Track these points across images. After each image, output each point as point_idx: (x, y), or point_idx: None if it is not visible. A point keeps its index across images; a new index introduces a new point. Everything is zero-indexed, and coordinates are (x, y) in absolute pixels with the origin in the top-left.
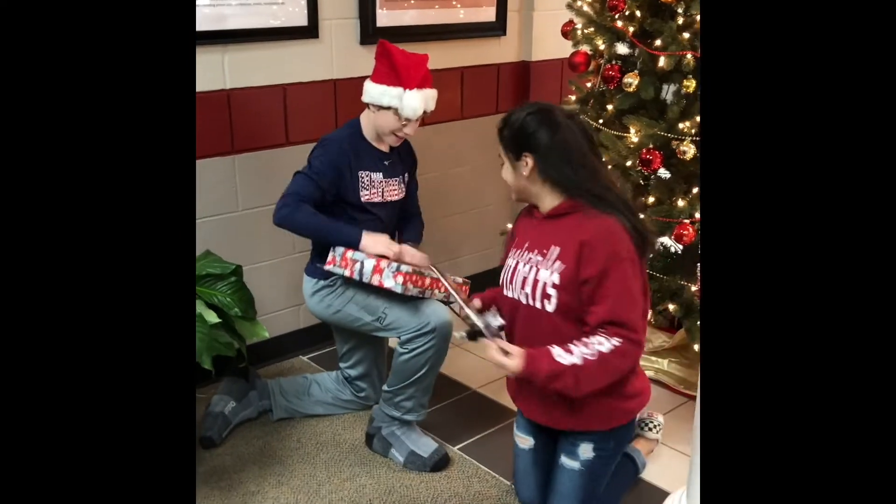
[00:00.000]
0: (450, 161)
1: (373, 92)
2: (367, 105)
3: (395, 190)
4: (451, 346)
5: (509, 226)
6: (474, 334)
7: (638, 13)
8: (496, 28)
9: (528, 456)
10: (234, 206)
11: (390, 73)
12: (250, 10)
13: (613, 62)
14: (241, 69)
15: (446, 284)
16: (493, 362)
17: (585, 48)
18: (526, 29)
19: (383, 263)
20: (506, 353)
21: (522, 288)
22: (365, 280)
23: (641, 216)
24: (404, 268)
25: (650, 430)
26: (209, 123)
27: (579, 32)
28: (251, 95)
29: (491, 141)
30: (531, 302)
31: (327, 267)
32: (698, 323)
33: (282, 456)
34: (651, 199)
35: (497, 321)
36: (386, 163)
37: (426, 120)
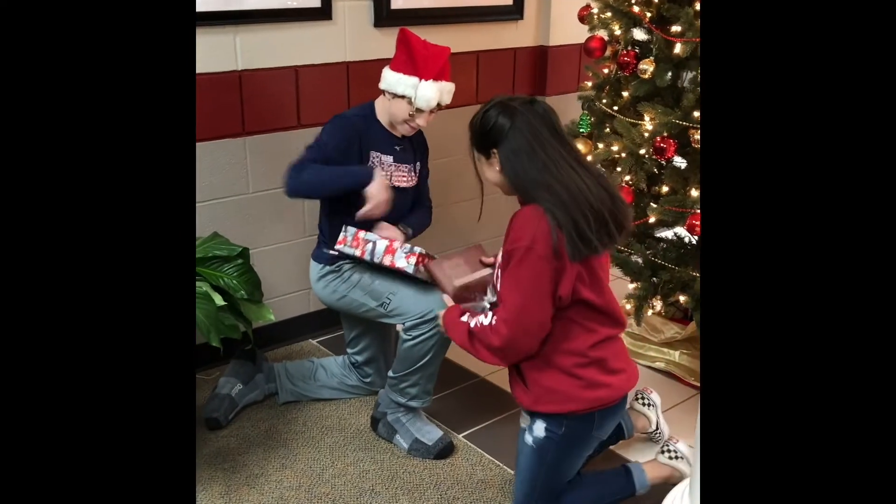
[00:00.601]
0: (463, 146)
1: (389, 79)
2: (383, 91)
3: (404, 176)
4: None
5: None
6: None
7: None
8: (513, 12)
9: (522, 432)
10: (245, 188)
11: (408, 61)
12: None
13: (629, 48)
14: (253, 50)
15: (435, 273)
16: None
17: (602, 33)
18: (544, 13)
19: (396, 244)
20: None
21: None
22: (376, 261)
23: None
24: (417, 249)
25: (642, 403)
26: (220, 105)
27: (596, 17)
28: (263, 77)
29: None
30: (495, 278)
31: (338, 246)
32: None
33: (286, 439)
34: (665, 189)
35: (488, 301)
36: (397, 147)
37: (441, 104)
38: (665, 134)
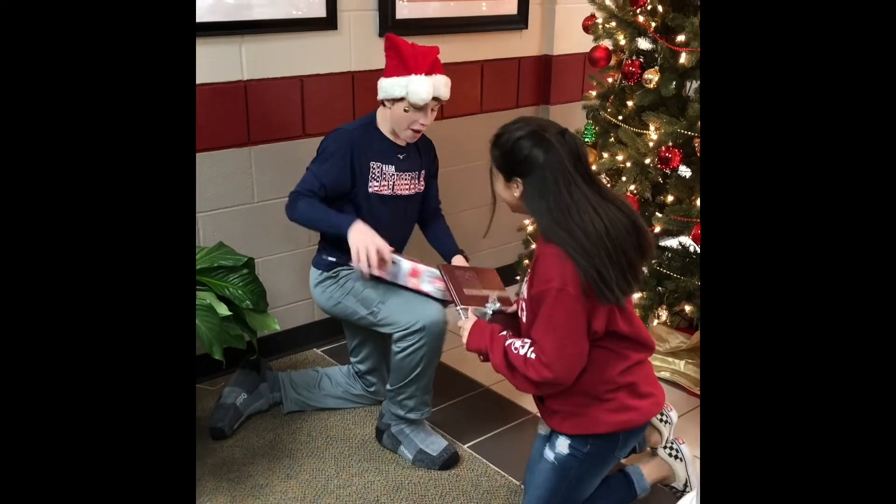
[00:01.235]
0: (469, 155)
1: (384, 86)
2: (382, 103)
3: (406, 184)
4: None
5: (526, 221)
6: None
7: (660, 8)
8: (518, 21)
9: (541, 442)
10: (250, 197)
11: (399, 64)
12: (269, 1)
13: (634, 57)
14: (258, 60)
15: (448, 285)
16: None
17: (606, 43)
18: (548, 22)
19: (421, 267)
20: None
21: (519, 297)
22: (399, 282)
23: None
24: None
25: (660, 420)
26: (226, 114)
27: (601, 27)
28: (268, 87)
29: None
30: (520, 311)
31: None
32: None
33: (291, 449)
34: (670, 198)
35: (492, 307)
36: (400, 156)
37: (445, 114)
38: (670, 143)
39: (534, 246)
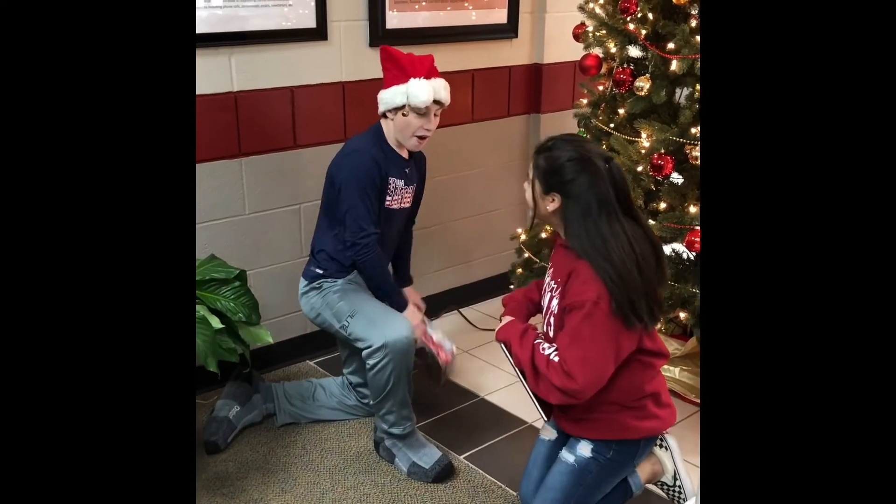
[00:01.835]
0: (460, 164)
1: (384, 98)
2: (384, 116)
3: (409, 197)
4: (463, 352)
5: (519, 230)
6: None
7: (650, 16)
8: (508, 30)
9: (545, 446)
10: (241, 209)
11: (398, 73)
12: (258, 12)
13: (625, 65)
14: (248, 71)
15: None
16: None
17: (597, 51)
18: (538, 31)
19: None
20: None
21: (545, 310)
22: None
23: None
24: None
25: (658, 445)
26: (216, 126)
27: (591, 35)
28: (259, 98)
29: (502, 144)
30: (545, 324)
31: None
32: None
33: (286, 463)
34: (662, 205)
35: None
36: (406, 170)
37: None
38: (662, 151)
39: (527, 254)
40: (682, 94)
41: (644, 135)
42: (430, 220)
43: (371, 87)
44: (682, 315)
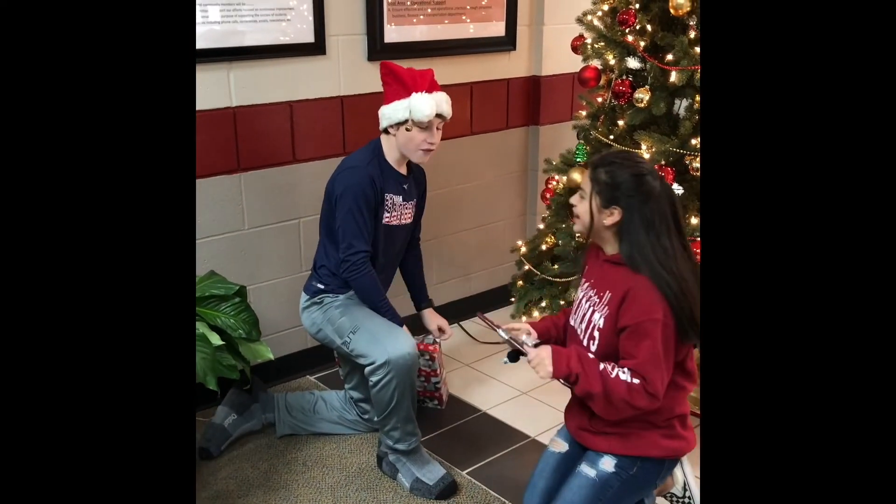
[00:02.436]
0: (459, 177)
1: (386, 113)
2: (385, 132)
3: (409, 213)
4: (464, 365)
5: (520, 242)
6: (514, 355)
7: (649, 27)
8: (506, 43)
9: (554, 458)
10: (241, 224)
11: (399, 88)
12: (256, 27)
13: (624, 77)
14: (247, 86)
15: (488, 322)
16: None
17: (596, 63)
18: (536, 43)
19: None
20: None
21: (581, 323)
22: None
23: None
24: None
25: None
26: (215, 141)
27: (589, 47)
28: (257, 113)
29: (501, 156)
30: (583, 337)
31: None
32: None
33: (287, 480)
34: None
35: (531, 341)
36: (405, 186)
37: None
38: (662, 162)
39: (528, 267)
40: (681, 106)
41: (644, 146)
42: (430, 232)
43: (370, 101)
44: None
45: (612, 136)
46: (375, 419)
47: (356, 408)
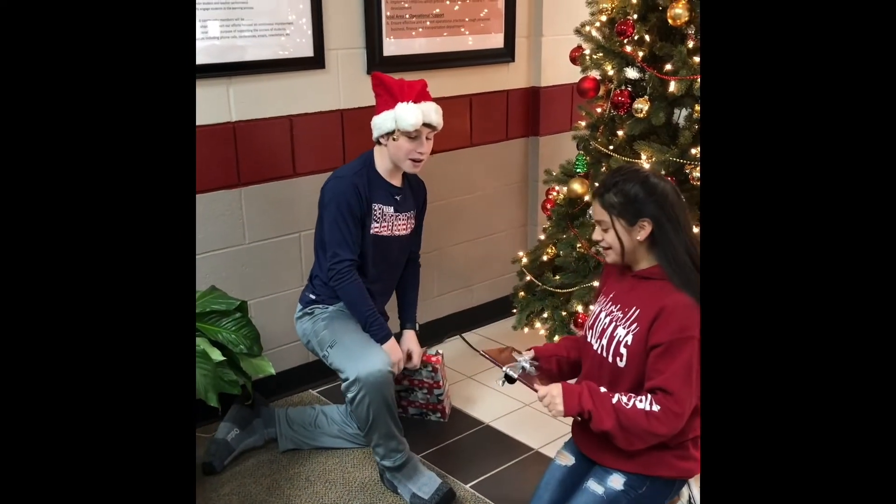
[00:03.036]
0: (460, 189)
1: (377, 123)
2: (377, 142)
3: (403, 225)
4: (467, 378)
5: (521, 253)
6: (511, 378)
7: (647, 38)
8: (505, 54)
9: (560, 471)
10: (241, 238)
11: (387, 98)
12: (255, 42)
13: (623, 87)
14: (246, 101)
15: (479, 352)
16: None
17: (594, 73)
18: (535, 55)
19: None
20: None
21: (600, 338)
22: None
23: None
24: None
25: None
26: (215, 156)
27: (588, 58)
28: (257, 127)
29: (501, 167)
30: (604, 353)
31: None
32: None
33: (290, 495)
34: None
35: (527, 363)
36: (397, 197)
37: (435, 148)
38: (662, 172)
39: (529, 277)
40: (680, 115)
41: (644, 156)
42: (431, 244)
43: (370, 115)
44: None
45: (611, 147)
46: (364, 439)
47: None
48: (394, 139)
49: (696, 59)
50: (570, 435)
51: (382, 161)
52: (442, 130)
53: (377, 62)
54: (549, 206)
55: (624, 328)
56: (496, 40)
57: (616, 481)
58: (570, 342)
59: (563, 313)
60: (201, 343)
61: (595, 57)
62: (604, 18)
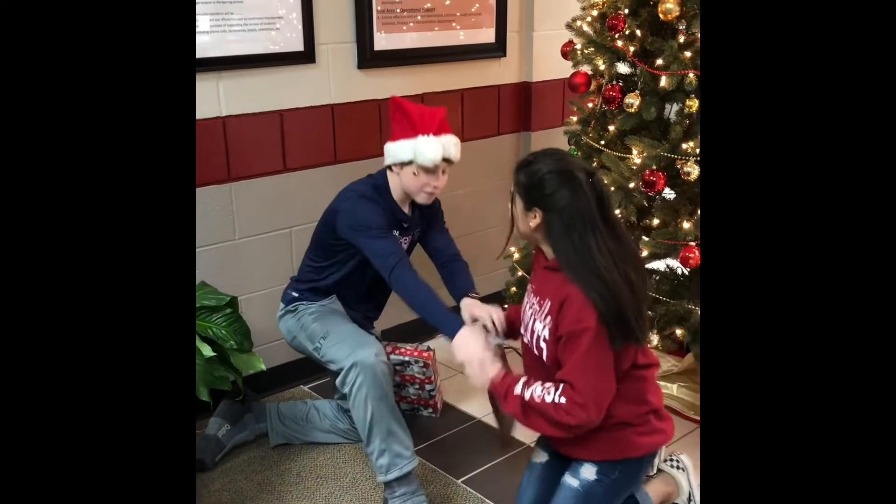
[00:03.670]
0: (451, 184)
1: (392, 151)
2: (390, 168)
3: (404, 245)
4: (458, 373)
5: (512, 249)
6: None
7: (638, 32)
8: (496, 49)
9: (537, 468)
10: (232, 234)
11: (406, 126)
12: (245, 37)
13: (614, 82)
14: (236, 96)
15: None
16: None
17: (586, 68)
18: (526, 50)
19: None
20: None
21: (526, 332)
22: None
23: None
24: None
25: (674, 466)
26: (204, 151)
27: (579, 52)
28: (247, 122)
29: (492, 163)
30: (532, 346)
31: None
32: None
33: (281, 492)
34: (656, 222)
35: (495, 340)
36: (405, 224)
37: None
38: (654, 167)
39: (521, 273)
40: (671, 110)
41: (635, 151)
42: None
43: (360, 109)
44: (679, 331)
45: (602, 142)
46: (365, 450)
47: (348, 416)
48: (413, 173)
49: (687, 53)
50: None
51: (396, 188)
52: None
53: (368, 57)
54: None
55: (541, 322)
56: (487, 35)
57: (588, 471)
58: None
59: None
60: None
61: (586, 52)
62: (595, 13)
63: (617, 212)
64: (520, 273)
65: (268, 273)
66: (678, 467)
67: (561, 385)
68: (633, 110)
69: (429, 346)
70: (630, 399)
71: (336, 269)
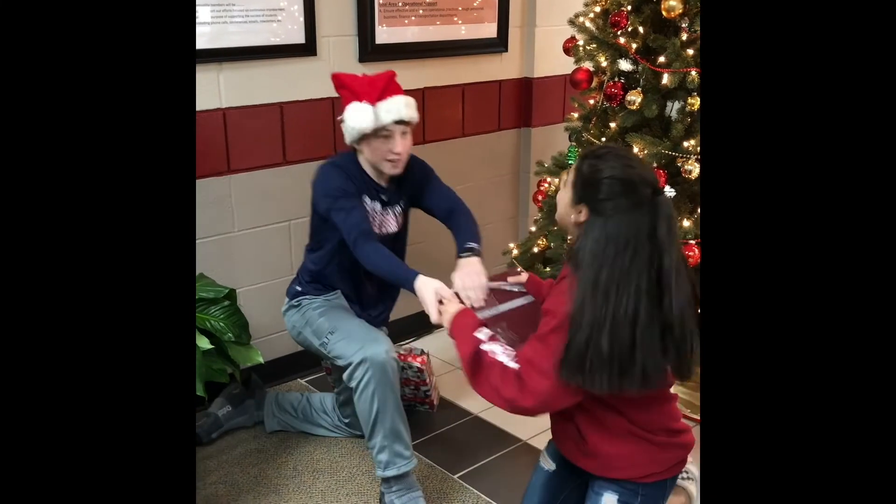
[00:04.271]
0: (451, 179)
1: (345, 128)
2: (353, 149)
3: (391, 221)
4: (455, 369)
5: (512, 245)
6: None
7: (641, 29)
8: (498, 44)
9: (543, 475)
10: (230, 227)
11: (351, 100)
12: (246, 28)
13: (616, 79)
14: (236, 88)
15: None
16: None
17: (587, 65)
18: (528, 45)
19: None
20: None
21: None
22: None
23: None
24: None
25: (683, 477)
26: (204, 143)
27: (581, 49)
28: (247, 114)
29: (493, 158)
30: None
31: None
32: None
33: (277, 485)
34: None
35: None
36: (384, 196)
37: (427, 138)
38: (654, 164)
39: (520, 269)
40: (673, 108)
41: (636, 149)
42: (420, 234)
43: None
44: None
45: (603, 139)
46: (367, 445)
47: (339, 411)
48: (371, 145)
49: (690, 51)
50: None
51: (365, 165)
52: (434, 120)
53: (369, 50)
54: (540, 197)
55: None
56: (489, 30)
57: (609, 500)
58: None
59: None
60: None
61: (588, 48)
62: (598, 9)
63: None
64: (519, 269)
65: (266, 266)
66: (688, 477)
67: (522, 361)
68: (634, 107)
69: (422, 350)
70: (647, 414)
71: (328, 248)
